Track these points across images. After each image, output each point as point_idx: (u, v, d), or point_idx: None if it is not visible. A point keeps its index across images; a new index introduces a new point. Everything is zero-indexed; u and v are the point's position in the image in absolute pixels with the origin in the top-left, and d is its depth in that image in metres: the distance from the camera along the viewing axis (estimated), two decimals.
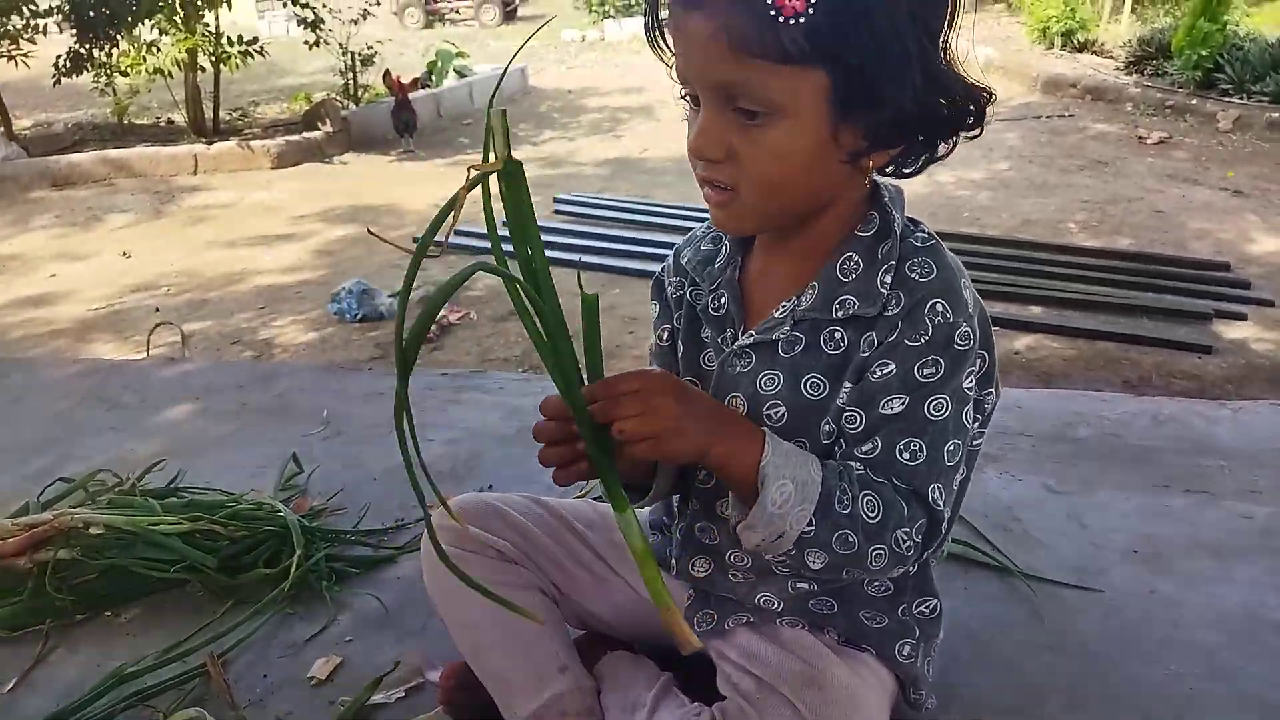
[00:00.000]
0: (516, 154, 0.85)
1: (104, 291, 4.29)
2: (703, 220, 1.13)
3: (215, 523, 1.67)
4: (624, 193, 5.84)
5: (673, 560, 1.21)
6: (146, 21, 6.99)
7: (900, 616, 1.13)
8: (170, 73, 7.14)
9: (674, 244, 1.20)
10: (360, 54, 8.00)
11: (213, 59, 7.23)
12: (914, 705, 1.17)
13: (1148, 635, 1.42)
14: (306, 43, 7.60)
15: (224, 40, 7.22)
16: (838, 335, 0.99)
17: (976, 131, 0.94)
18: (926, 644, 1.15)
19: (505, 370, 3.19)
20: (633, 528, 0.95)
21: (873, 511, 0.94)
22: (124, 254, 4.87)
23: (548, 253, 0.89)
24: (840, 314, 0.98)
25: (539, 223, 0.91)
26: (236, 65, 7.29)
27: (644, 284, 4.24)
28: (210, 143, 7.03)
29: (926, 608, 1.15)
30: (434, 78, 8.85)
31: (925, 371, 0.95)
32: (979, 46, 0.95)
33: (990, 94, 0.93)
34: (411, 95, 7.60)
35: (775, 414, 1.02)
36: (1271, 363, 3.54)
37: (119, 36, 7.14)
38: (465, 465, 2.03)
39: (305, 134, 7.28)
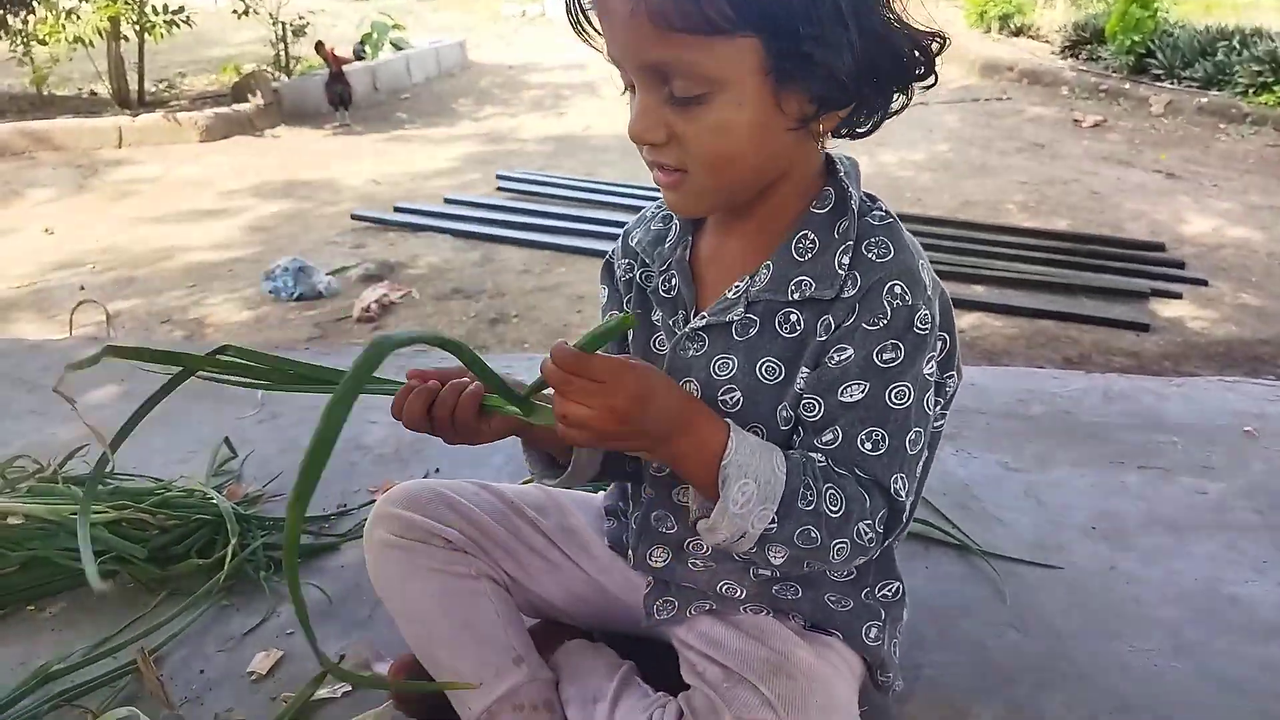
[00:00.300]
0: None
1: (25, 269, 4.09)
2: (650, 199, 1.09)
3: (143, 511, 1.58)
4: (568, 170, 5.75)
5: (629, 550, 1.16)
6: None
7: (864, 599, 1.10)
8: (91, 42, 6.83)
9: (621, 221, 1.16)
10: (292, 24, 7.76)
11: (136, 28, 6.94)
12: (881, 688, 1.15)
13: (1110, 612, 1.41)
14: (235, 12, 7.35)
15: (148, 8, 6.94)
16: (793, 318, 0.95)
17: (930, 81, 0.90)
18: (892, 625, 1.13)
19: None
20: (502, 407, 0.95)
21: (835, 506, 0.90)
22: (46, 230, 4.65)
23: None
24: (796, 295, 0.94)
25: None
26: (161, 35, 7.01)
27: (591, 262, 4.18)
28: (135, 115, 6.76)
29: (889, 590, 1.12)
30: (369, 50, 8.63)
31: (885, 357, 0.91)
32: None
33: (943, 39, 0.88)
34: (346, 68, 7.41)
35: (730, 399, 0.98)
36: (1207, 339, 3.61)
37: (35, 2, 6.82)
38: (410, 448, 1.95)
39: (235, 106, 7.04)
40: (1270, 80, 7.57)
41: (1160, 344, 3.57)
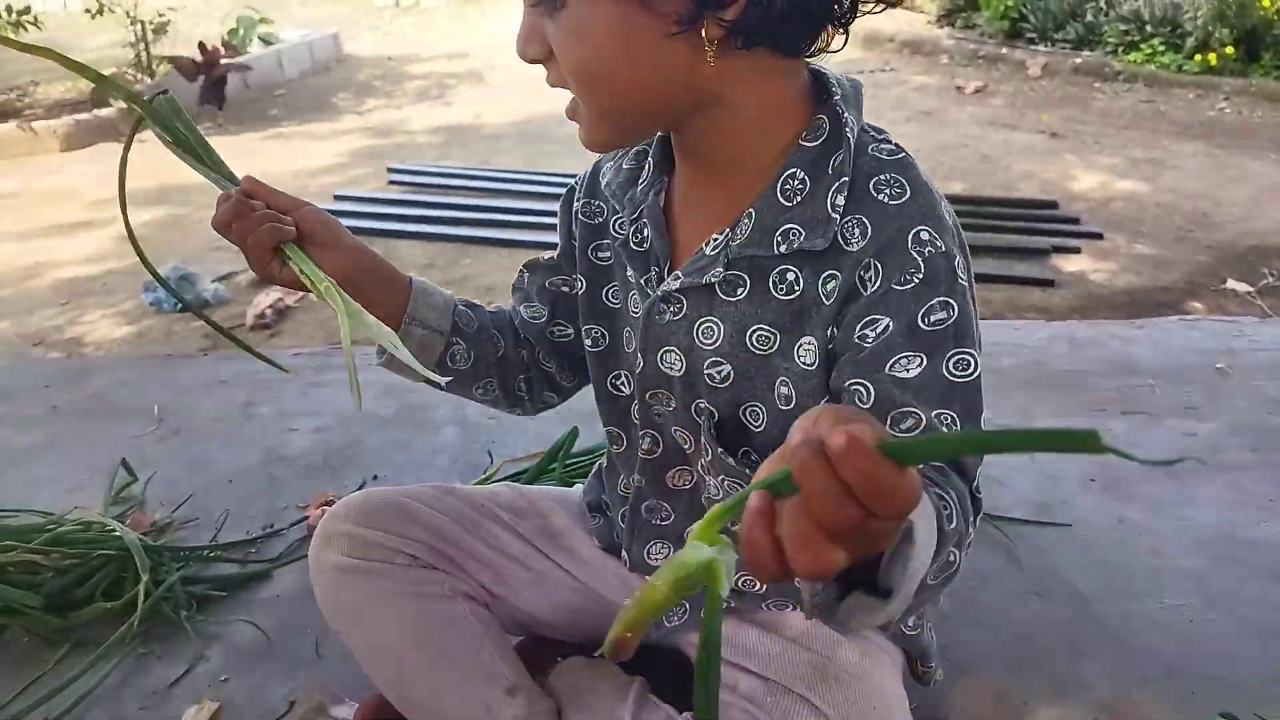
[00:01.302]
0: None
1: None
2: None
3: (33, 551, 1.34)
4: (461, 160, 5.54)
5: (624, 552, 1.01)
6: None
7: None
8: None
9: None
10: (151, 23, 7.29)
11: None
12: (923, 679, 1.02)
13: (1131, 568, 1.32)
14: (89, 11, 6.86)
15: None
16: (790, 277, 0.77)
17: None
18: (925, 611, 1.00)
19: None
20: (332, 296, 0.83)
21: (964, 517, 0.70)
22: None
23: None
24: (784, 249, 0.76)
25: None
26: (8, 40, 6.49)
27: (496, 252, 3.99)
28: None
29: None
30: (238, 44, 8.19)
31: (934, 319, 0.73)
32: None
33: None
34: (224, 61, 7.01)
35: (719, 374, 0.83)
36: (1110, 290, 3.67)
37: None
38: (341, 455, 1.74)
39: (96, 112, 6.57)
40: (1137, 39, 7.87)
41: (1067, 298, 3.60)
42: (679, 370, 0.85)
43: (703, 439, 0.86)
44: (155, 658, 1.28)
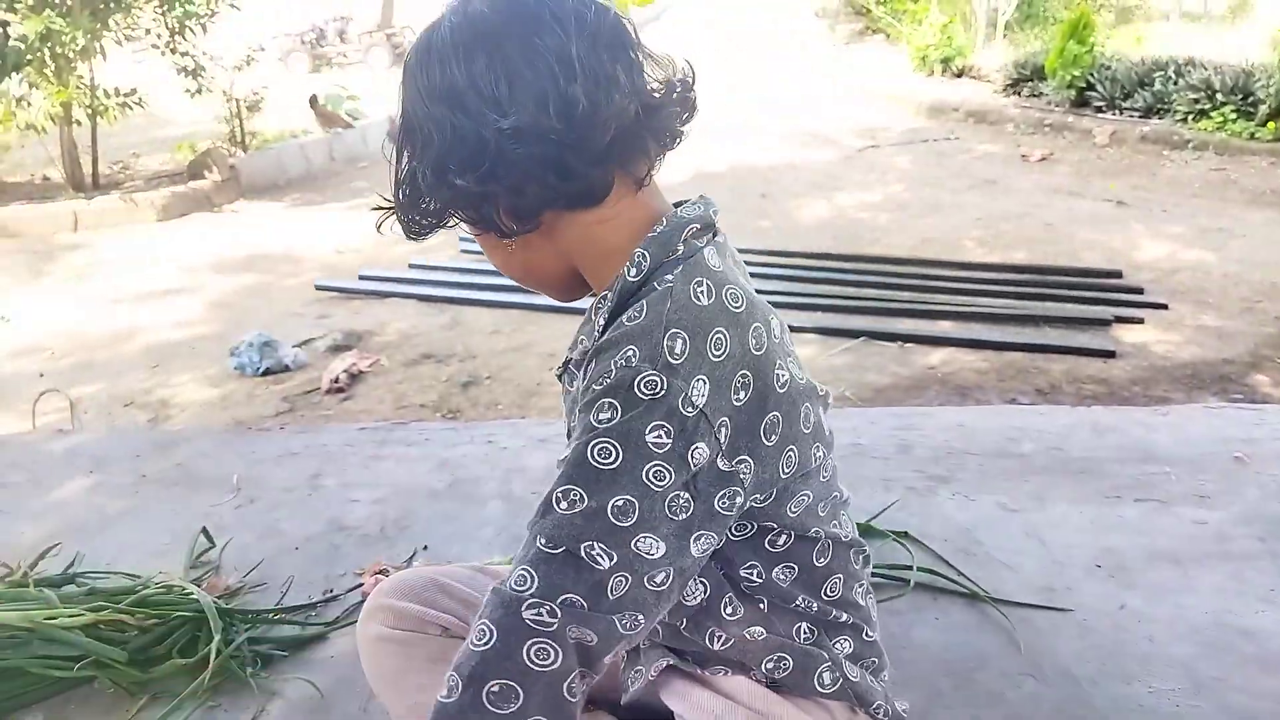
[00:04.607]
0: None
1: None
2: None
3: (121, 611, 1.50)
4: None
5: None
6: (14, 75, 6.63)
7: (803, 645, 1.01)
8: (44, 128, 6.78)
9: None
10: (246, 100, 7.76)
11: (88, 111, 6.90)
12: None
13: (1124, 653, 1.38)
14: (188, 91, 7.33)
15: (100, 92, 6.91)
16: (576, 375, 0.98)
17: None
18: (852, 659, 1.03)
19: (423, 417, 3.06)
20: None
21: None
22: (1, 318, 4.56)
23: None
24: (575, 353, 0.98)
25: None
26: (114, 117, 6.97)
27: (560, 319, 4.15)
28: (90, 197, 6.70)
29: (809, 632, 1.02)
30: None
31: (601, 417, 0.84)
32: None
33: (688, 80, 0.92)
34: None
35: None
36: (1173, 362, 3.65)
37: None
38: (396, 525, 1.89)
39: (192, 184, 7.00)
40: (1207, 107, 7.82)
41: (1128, 369, 3.60)
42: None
43: None
44: (222, 710, 1.42)
